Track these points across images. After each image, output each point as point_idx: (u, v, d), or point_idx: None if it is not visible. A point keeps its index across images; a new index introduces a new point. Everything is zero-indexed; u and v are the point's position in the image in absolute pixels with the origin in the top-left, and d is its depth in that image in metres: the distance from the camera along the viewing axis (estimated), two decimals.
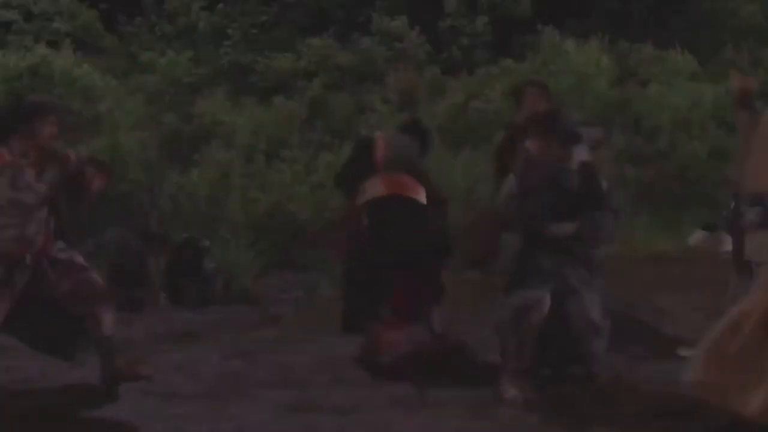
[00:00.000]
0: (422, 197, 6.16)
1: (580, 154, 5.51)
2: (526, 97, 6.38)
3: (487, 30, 14.81)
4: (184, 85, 13.57)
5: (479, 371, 5.74)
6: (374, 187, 6.12)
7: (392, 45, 14.28)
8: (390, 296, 6.00)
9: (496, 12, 15.03)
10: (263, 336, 6.77)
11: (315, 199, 9.50)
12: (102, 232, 8.64)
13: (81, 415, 5.11)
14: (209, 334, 6.84)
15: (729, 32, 14.44)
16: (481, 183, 8.82)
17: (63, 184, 5.31)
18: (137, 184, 9.89)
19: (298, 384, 5.56)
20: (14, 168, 5.17)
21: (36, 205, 5.20)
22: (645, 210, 10.20)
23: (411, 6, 14.91)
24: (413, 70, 13.35)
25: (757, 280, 4.63)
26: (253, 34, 15.07)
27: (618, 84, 12.27)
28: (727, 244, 6.23)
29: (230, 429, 4.83)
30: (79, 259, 5.43)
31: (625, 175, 10.15)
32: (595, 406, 5.06)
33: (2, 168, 5.15)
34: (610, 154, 9.56)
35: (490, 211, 6.05)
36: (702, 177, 10.99)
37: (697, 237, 6.54)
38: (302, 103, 12.53)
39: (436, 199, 6.29)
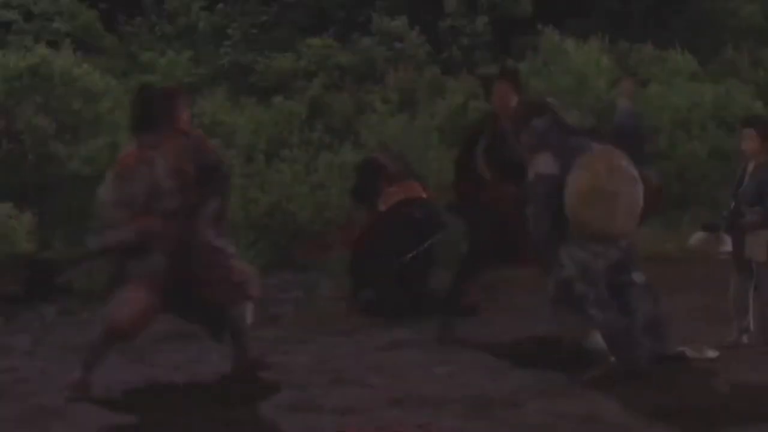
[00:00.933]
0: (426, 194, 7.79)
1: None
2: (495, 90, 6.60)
3: (487, 30, 14.80)
4: (184, 85, 13.56)
5: (480, 371, 5.75)
6: (395, 195, 7.53)
7: (392, 45, 14.28)
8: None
9: (496, 12, 15.02)
10: (263, 336, 6.76)
11: (315, 199, 9.50)
12: (102, 232, 8.62)
13: (81, 414, 5.10)
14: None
15: (729, 32, 14.44)
16: None
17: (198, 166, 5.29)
18: None
19: (298, 384, 5.55)
20: (144, 162, 5.15)
21: (165, 197, 5.18)
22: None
23: (411, 6, 14.91)
24: (413, 70, 13.35)
25: None
26: (253, 34, 15.07)
27: (618, 84, 12.25)
28: (727, 245, 6.23)
29: (230, 429, 4.83)
30: (231, 248, 5.41)
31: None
32: (596, 404, 5.06)
33: (127, 168, 5.15)
34: None
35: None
36: (702, 177, 10.99)
37: (697, 237, 6.52)
38: (302, 103, 12.52)
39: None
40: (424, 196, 7.79)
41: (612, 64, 12.41)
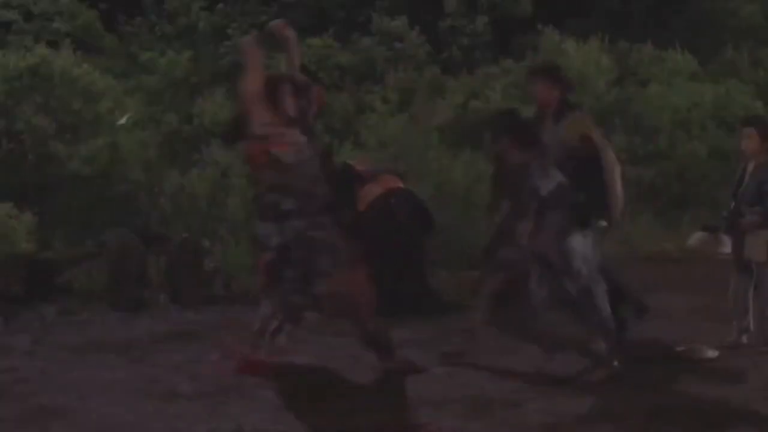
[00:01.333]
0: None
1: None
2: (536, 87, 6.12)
3: (487, 30, 14.80)
4: (184, 85, 13.56)
5: (480, 371, 5.75)
6: (373, 190, 7.48)
7: (392, 45, 14.28)
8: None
9: (496, 12, 15.02)
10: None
11: None
12: (102, 232, 8.64)
13: (81, 414, 5.10)
14: (209, 334, 6.83)
15: (729, 32, 14.44)
16: (480, 183, 8.82)
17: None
18: (137, 184, 9.89)
19: (298, 384, 5.55)
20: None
21: None
22: (645, 210, 10.20)
23: (411, 6, 14.91)
24: (413, 70, 13.36)
25: None
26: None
27: (618, 84, 12.26)
28: (726, 246, 6.24)
29: (230, 429, 4.83)
30: None
31: (625, 175, 10.15)
32: (596, 404, 5.06)
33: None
34: None
35: None
36: (702, 177, 10.99)
37: (696, 237, 6.53)
38: None
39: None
40: (401, 186, 7.80)
41: (612, 64, 12.42)
